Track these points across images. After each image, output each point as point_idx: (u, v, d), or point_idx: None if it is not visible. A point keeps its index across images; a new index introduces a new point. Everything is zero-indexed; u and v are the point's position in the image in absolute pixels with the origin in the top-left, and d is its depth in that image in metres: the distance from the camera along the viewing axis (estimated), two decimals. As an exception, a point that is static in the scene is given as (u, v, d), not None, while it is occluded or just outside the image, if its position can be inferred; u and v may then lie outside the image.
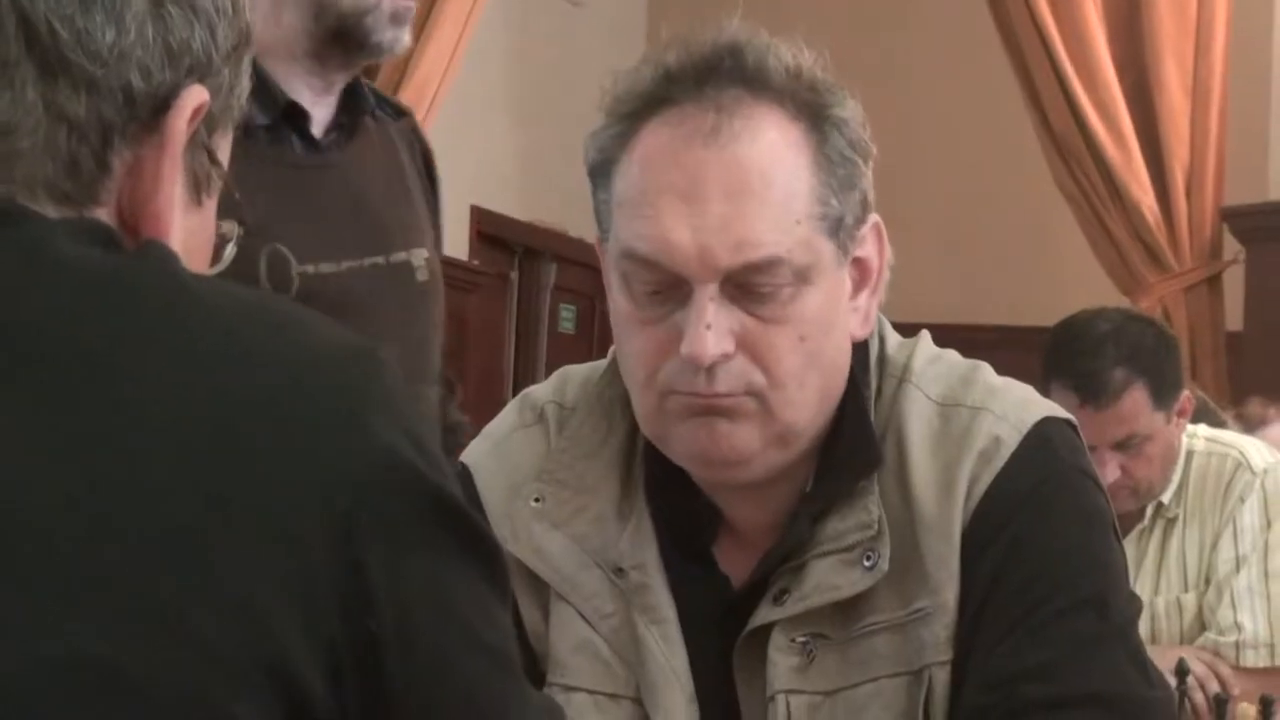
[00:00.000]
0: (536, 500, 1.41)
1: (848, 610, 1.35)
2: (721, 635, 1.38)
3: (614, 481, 1.42)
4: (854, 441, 1.37)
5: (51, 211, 0.90)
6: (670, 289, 1.32)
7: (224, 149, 1.00)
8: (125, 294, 0.87)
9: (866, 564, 1.34)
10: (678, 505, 1.41)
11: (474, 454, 1.48)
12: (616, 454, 1.42)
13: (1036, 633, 1.31)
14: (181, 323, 0.87)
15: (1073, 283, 5.53)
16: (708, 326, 1.29)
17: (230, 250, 1.03)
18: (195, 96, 0.93)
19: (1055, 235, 6.11)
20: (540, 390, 1.50)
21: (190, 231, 0.97)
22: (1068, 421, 1.41)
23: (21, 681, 0.80)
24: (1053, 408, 1.42)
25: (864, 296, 1.38)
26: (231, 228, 1.03)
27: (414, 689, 0.87)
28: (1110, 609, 1.36)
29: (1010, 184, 6.38)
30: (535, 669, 1.40)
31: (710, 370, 1.30)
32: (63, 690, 0.80)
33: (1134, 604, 1.40)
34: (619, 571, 1.40)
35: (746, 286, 1.30)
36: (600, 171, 1.38)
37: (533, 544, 1.40)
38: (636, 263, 1.33)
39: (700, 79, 1.33)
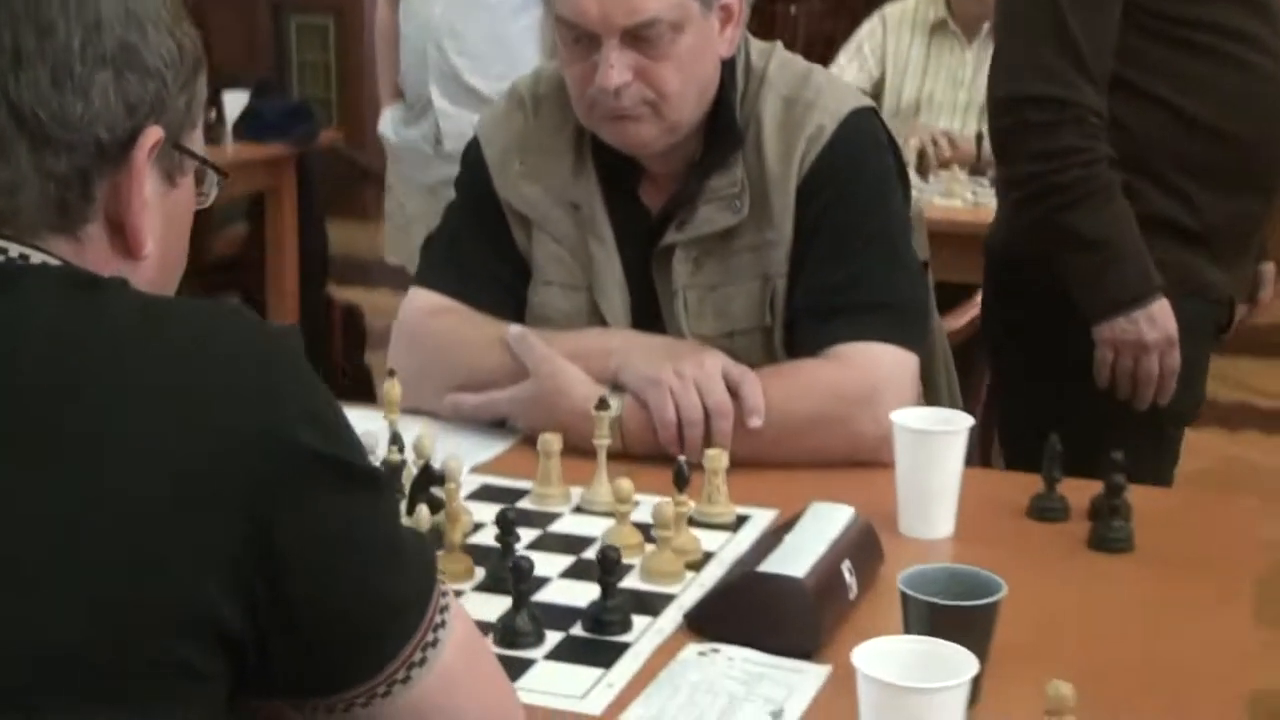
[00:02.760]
0: (520, 164, 2.09)
1: (724, 237, 2.04)
2: (644, 249, 2.07)
3: (570, 148, 2.09)
4: (724, 127, 2.02)
5: (50, 240, 1.12)
6: (588, 41, 1.94)
7: (194, 139, 1.23)
8: (87, 333, 1.07)
9: (735, 207, 2.02)
10: (613, 162, 2.07)
11: (481, 126, 2.15)
12: (572, 130, 2.08)
13: (843, 258, 1.99)
14: (128, 352, 1.07)
15: None
16: (611, 66, 1.92)
17: (214, 193, 1.29)
18: (152, 135, 1.16)
19: None
20: (522, 82, 2.15)
21: (172, 203, 1.21)
22: (872, 109, 2.05)
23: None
24: (861, 99, 2.05)
25: (729, 29, 1.99)
26: (213, 179, 1.29)
27: (314, 605, 1.09)
28: (897, 244, 2.03)
29: None
30: (524, 273, 2.11)
31: (617, 93, 1.94)
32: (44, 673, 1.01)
33: (911, 243, 2.08)
34: (575, 207, 2.08)
35: (638, 37, 1.92)
36: None
37: (519, 193, 2.09)
38: (564, 24, 1.95)
39: None
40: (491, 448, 2.01)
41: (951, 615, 1.38)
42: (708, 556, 1.70)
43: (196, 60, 1.21)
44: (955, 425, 1.74)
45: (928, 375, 2.21)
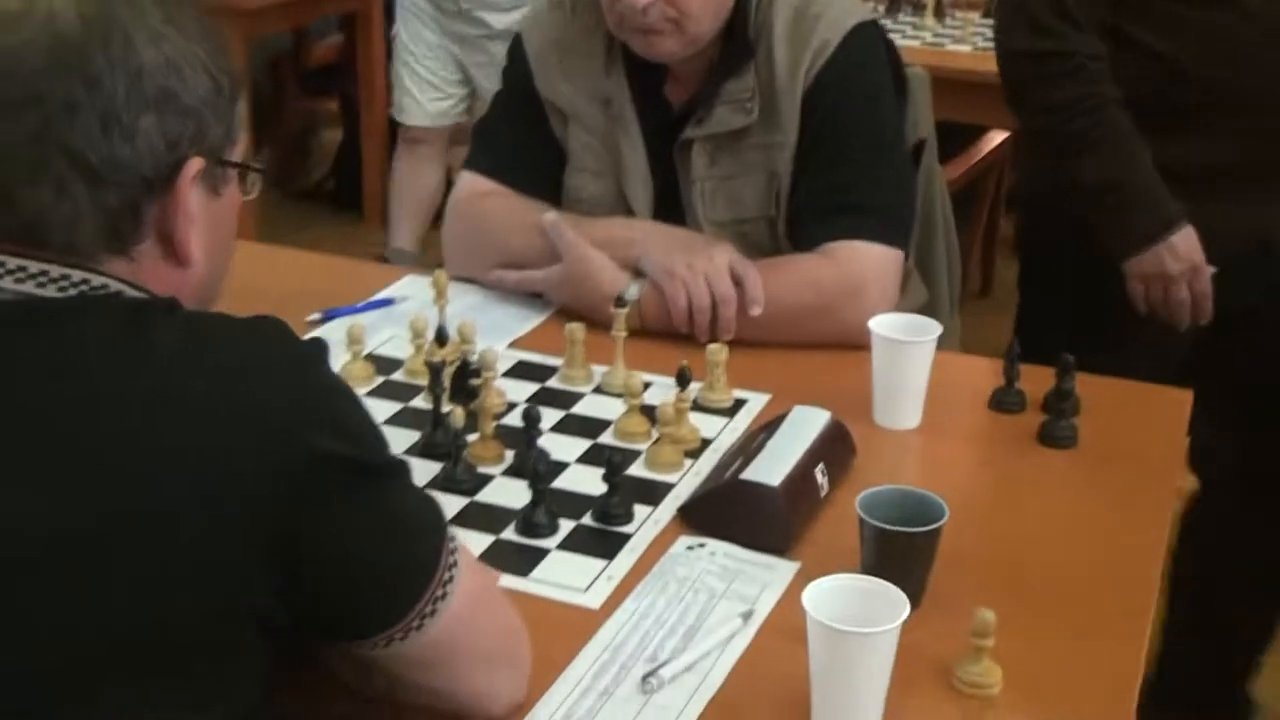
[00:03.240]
0: (558, 61, 2.31)
1: (737, 135, 2.26)
2: (667, 142, 2.30)
3: (603, 48, 2.30)
4: (739, 38, 2.22)
5: (108, 262, 1.27)
6: None
7: (235, 151, 1.37)
8: (136, 356, 1.22)
9: (747, 110, 2.24)
10: (641, 63, 2.29)
11: (523, 25, 2.37)
12: (605, 31, 2.29)
13: (839, 164, 2.22)
14: (173, 372, 1.22)
15: None
16: None
17: (258, 188, 1.43)
18: (194, 165, 1.30)
19: None
20: None
21: (217, 211, 1.36)
22: (874, 23, 2.24)
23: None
24: (865, 13, 2.26)
25: None
26: (254, 177, 1.42)
27: (336, 583, 1.28)
28: (889, 153, 2.25)
29: None
30: (562, 159, 2.35)
31: (643, 10, 2.15)
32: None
33: (904, 150, 2.29)
34: (606, 102, 2.31)
35: None
36: None
37: (556, 88, 2.33)
38: None
39: None
40: (529, 319, 2.29)
41: (898, 540, 1.64)
42: (705, 444, 1.98)
43: (234, 90, 1.35)
44: (925, 334, 2.00)
45: (927, 226, 2.47)
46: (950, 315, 2.77)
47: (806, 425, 1.91)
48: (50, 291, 1.26)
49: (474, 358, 2.02)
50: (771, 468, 1.81)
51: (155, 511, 1.19)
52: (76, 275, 1.27)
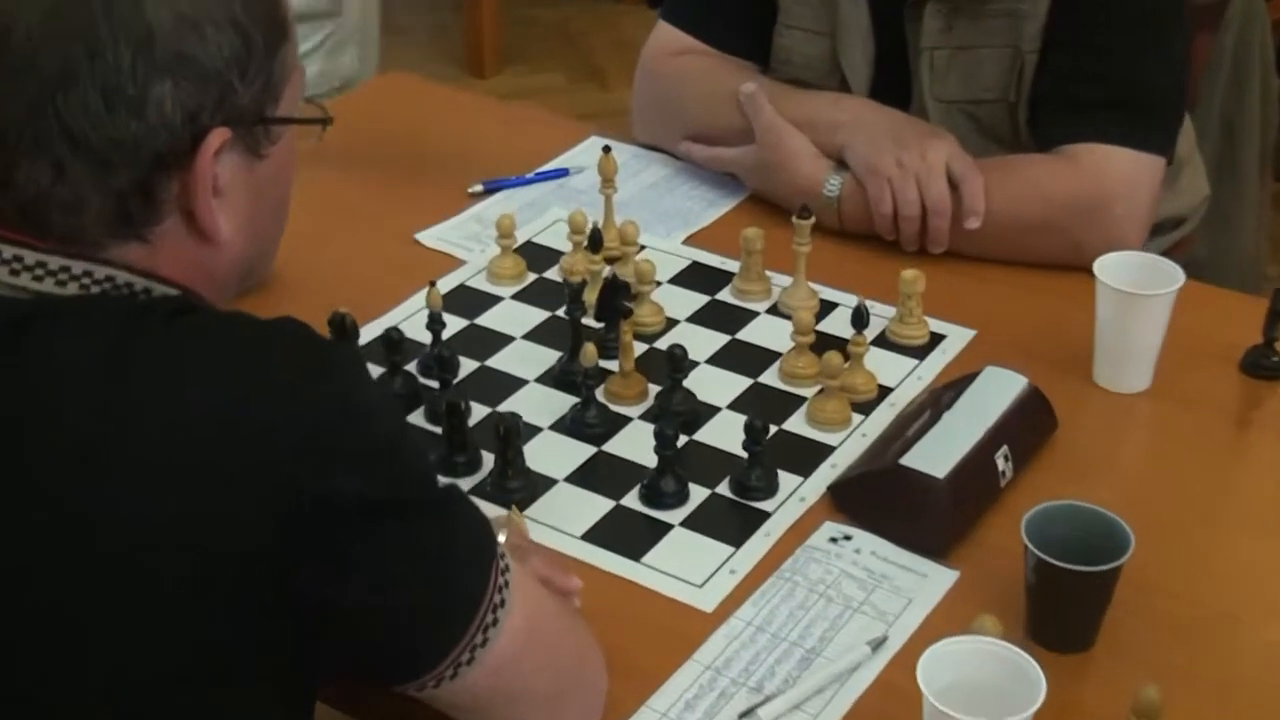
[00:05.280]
0: None
1: (975, 1, 1.89)
2: (895, 1, 1.95)
3: None
4: None
5: (118, 249, 1.12)
6: None
7: (288, 98, 1.18)
8: (135, 370, 1.07)
9: None
10: None
11: None
12: None
13: (1093, 45, 1.84)
14: (169, 389, 1.06)
15: None
16: None
17: (323, 131, 1.24)
18: (216, 138, 1.12)
19: None
20: None
21: (261, 176, 1.18)
22: None
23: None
24: None
25: None
26: (317, 124, 1.24)
27: (372, 628, 1.14)
28: (1160, 30, 1.85)
29: None
30: (772, 13, 2.02)
31: None
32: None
33: (1185, 22, 1.87)
34: None
35: None
36: None
37: None
38: None
39: None
40: (716, 206, 2.00)
41: (1064, 577, 1.36)
42: (882, 395, 1.69)
43: (273, 40, 1.15)
44: (1164, 282, 1.64)
45: (1240, 72, 2.08)
46: (1260, 182, 2.37)
47: (996, 394, 1.60)
48: (48, 286, 1.12)
49: (627, 271, 1.76)
50: (941, 451, 1.53)
51: (134, 564, 1.05)
52: (77, 267, 1.12)
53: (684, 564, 1.49)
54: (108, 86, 1.08)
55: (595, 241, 1.77)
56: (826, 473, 1.59)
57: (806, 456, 1.61)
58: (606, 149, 1.88)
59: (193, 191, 1.13)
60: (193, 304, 1.16)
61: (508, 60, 4.78)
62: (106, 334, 1.09)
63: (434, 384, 1.66)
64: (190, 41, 1.10)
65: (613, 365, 1.70)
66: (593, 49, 4.89)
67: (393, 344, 1.67)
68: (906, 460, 1.52)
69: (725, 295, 1.85)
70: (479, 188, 2.03)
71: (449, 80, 4.64)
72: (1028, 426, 1.60)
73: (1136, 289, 1.64)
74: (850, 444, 1.63)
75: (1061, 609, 1.39)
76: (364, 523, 1.09)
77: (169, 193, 1.13)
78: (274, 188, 1.22)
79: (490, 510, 1.50)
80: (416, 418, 1.66)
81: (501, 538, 1.38)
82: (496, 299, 1.84)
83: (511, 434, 1.56)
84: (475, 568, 1.18)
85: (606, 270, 1.78)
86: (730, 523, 1.54)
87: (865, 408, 1.67)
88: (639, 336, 1.74)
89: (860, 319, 1.66)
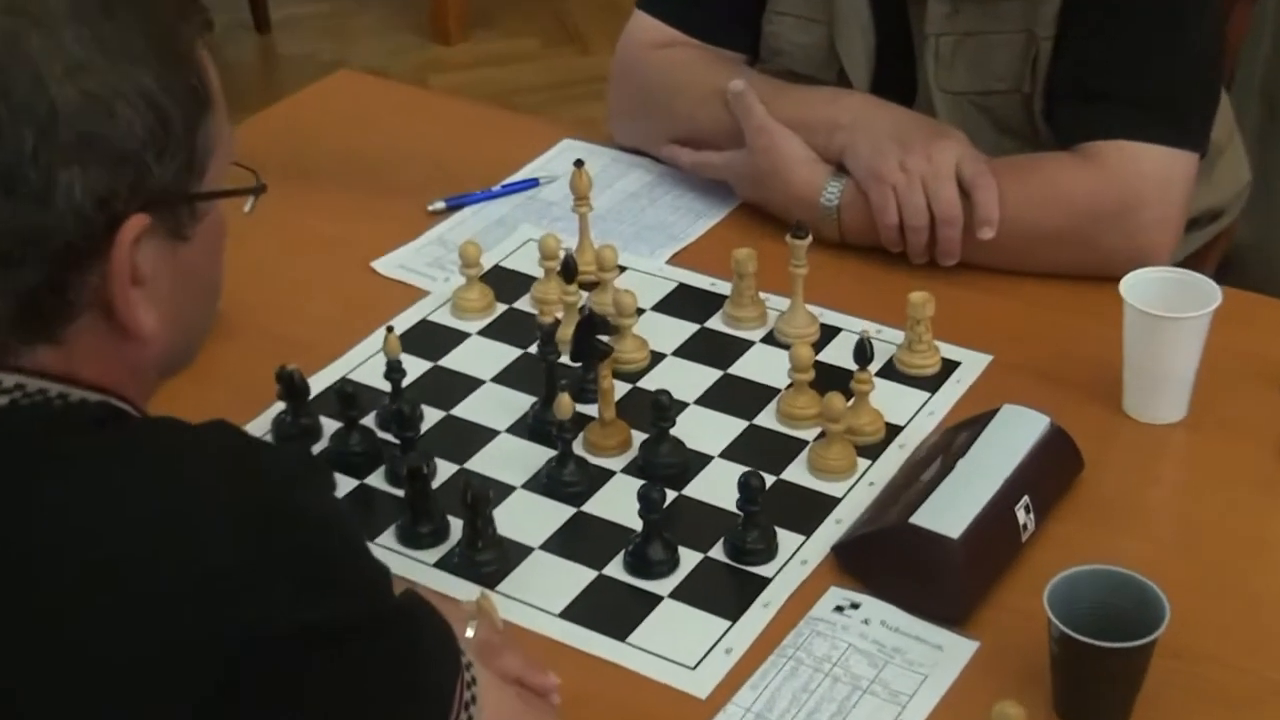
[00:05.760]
0: None
1: None
2: None
3: None
4: None
5: (28, 354, 1.00)
6: None
7: (215, 169, 1.07)
8: (35, 502, 0.95)
9: None
10: None
11: None
12: None
13: (1116, 30, 1.67)
14: (85, 525, 0.95)
15: None
16: None
17: (252, 204, 1.13)
18: (133, 225, 1.00)
19: None
20: None
21: (185, 259, 1.06)
22: None
23: None
24: None
25: None
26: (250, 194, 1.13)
27: None
28: (1189, 14, 1.66)
29: None
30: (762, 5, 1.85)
31: None
32: None
33: (1217, 36, 1.69)
34: None
35: None
36: None
37: None
38: None
39: None
40: (703, 219, 1.83)
41: (1089, 654, 1.22)
42: (891, 436, 1.53)
43: (195, 111, 1.04)
44: (1199, 302, 1.48)
45: None
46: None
47: (1015, 436, 1.45)
48: None
49: (605, 300, 1.60)
50: (955, 506, 1.38)
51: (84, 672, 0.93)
52: None
53: (675, 643, 1.34)
54: (7, 174, 0.97)
55: (569, 271, 1.60)
56: (831, 529, 1.44)
57: (808, 511, 1.46)
58: (579, 163, 1.70)
59: (110, 284, 1.02)
60: (116, 409, 1.05)
61: (475, 24, 4.51)
62: (14, 456, 0.98)
63: (394, 439, 1.51)
64: (99, 121, 0.99)
65: (591, 410, 1.54)
66: (569, 9, 4.62)
67: (347, 398, 1.52)
68: (917, 519, 1.37)
69: (715, 323, 1.68)
70: (440, 205, 1.86)
71: (411, 49, 4.43)
72: (1051, 472, 1.44)
73: (1168, 310, 1.48)
74: (856, 494, 1.47)
75: (1091, 687, 1.25)
76: (311, 652, 0.98)
77: (84, 287, 1.02)
78: (202, 270, 1.11)
79: (461, 590, 1.38)
80: (377, 478, 1.51)
81: (470, 632, 1.27)
82: (462, 335, 1.68)
83: (480, 502, 1.41)
84: (436, 682, 1.08)
85: (583, 299, 1.62)
86: (725, 592, 1.39)
87: (872, 451, 1.52)
88: (621, 375, 1.59)
89: (863, 355, 1.50)
